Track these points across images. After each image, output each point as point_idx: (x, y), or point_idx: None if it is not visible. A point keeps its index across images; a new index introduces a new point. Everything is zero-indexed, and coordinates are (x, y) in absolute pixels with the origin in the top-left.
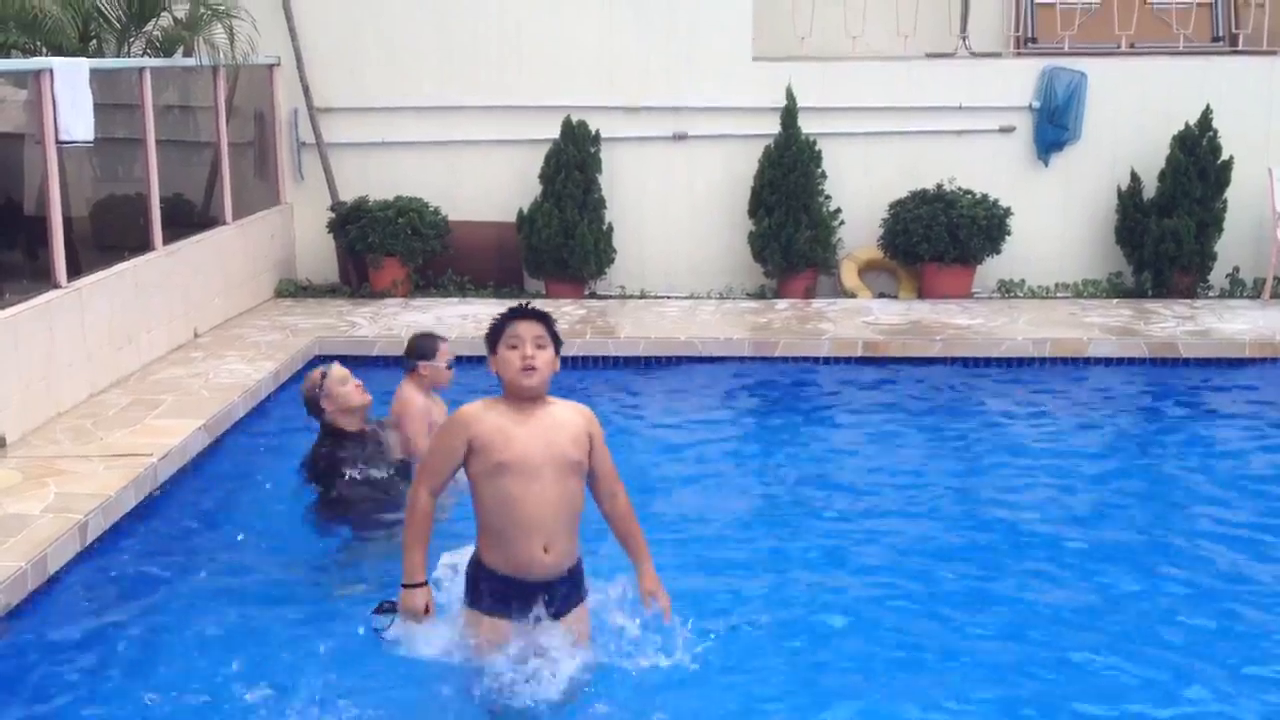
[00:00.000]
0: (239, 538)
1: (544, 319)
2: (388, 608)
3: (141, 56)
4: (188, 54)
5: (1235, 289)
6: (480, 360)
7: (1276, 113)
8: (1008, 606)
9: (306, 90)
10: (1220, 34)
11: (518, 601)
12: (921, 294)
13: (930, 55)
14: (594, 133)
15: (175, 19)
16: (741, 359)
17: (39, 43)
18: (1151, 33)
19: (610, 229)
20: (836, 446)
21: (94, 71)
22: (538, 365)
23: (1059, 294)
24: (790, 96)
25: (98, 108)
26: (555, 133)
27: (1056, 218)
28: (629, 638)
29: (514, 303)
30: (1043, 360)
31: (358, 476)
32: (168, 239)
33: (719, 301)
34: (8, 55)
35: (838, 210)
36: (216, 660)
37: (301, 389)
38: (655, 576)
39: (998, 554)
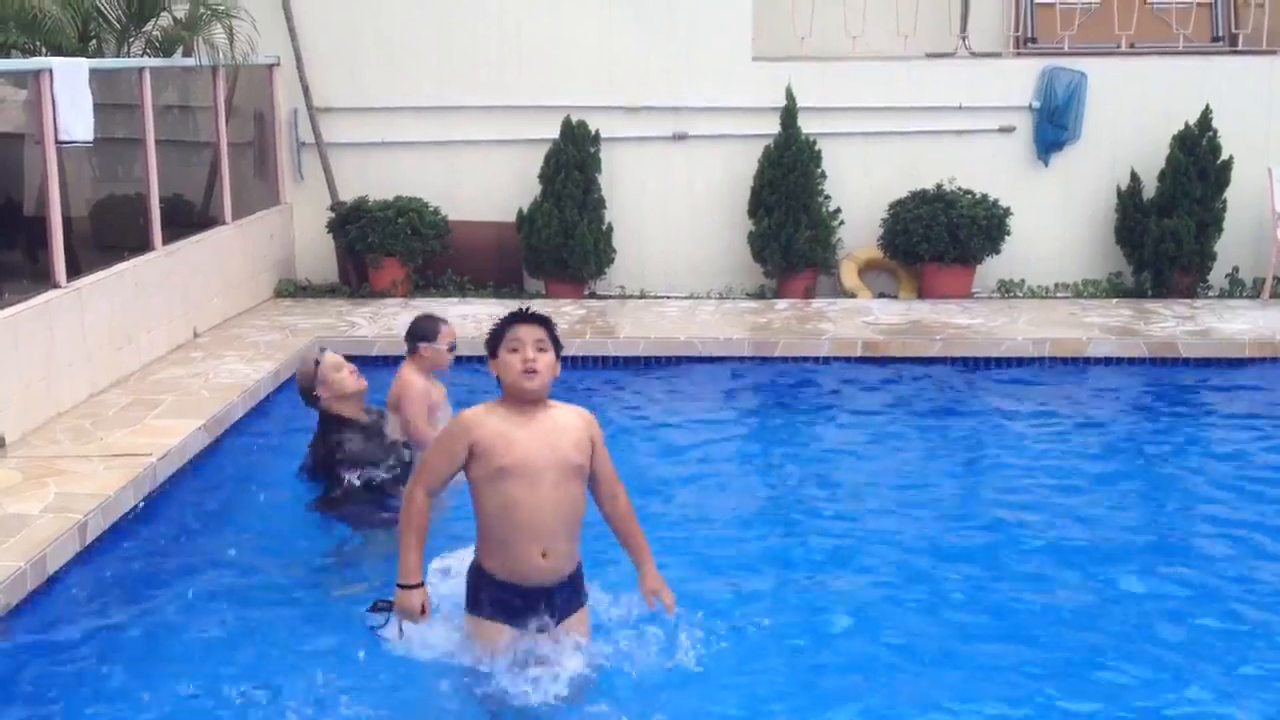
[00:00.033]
0: (246, 537)
1: (544, 322)
2: (383, 606)
3: (141, 56)
4: (187, 54)
5: (1235, 289)
6: (480, 360)
7: (1276, 112)
8: (1008, 607)
9: (306, 90)
10: (1220, 34)
11: (517, 607)
12: (921, 294)
13: (930, 55)
14: (594, 133)
15: (175, 19)
16: (741, 359)
17: (38, 43)
18: (1151, 33)
19: (610, 229)
20: (836, 446)
21: (93, 71)
22: (539, 368)
23: (1059, 294)
24: (790, 96)
25: (97, 108)
26: (555, 133)
27: (1056, 218)
28: (630, 639)
29: (515, 304)
30: (1042, 360)
31: (356, 482)
32: (167, 239)
33: (719, 301)
34: (7, 55)
35: (837, 210)
36: (216, 660)
37: (296, 379)
38: (658, 575)
39: (999, 554)
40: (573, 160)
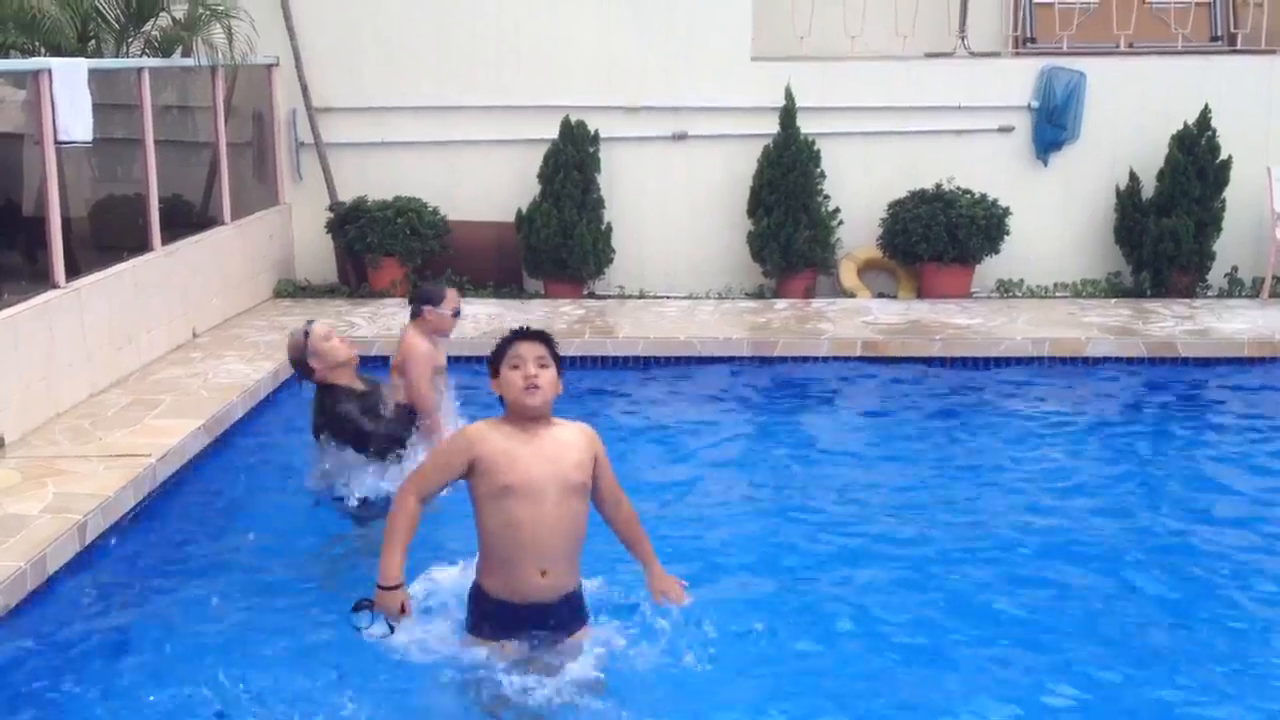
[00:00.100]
0: (246, 537)
1: (546, 339)
2: (365, 605)
3: (140, 57)
4: (186, 54)
5: (1234, 288)
6: (479, 360)
7: (1275, 112)
8: (1010, 607)
9: (305, 90)
10: (1219, 33)
11: (516, 627)
12: (920, 294)
13: (929, 55)
14: (593, 133)
15: (174, 19)
16: (740, 359)
17: (38, 43)
18: (1150, 32)
19: (609, 229)
20: (836, 446)
21: (93, 72)
22: (541, 384)
23: (1058, 294)
24: (789, 96)
25: (96, 108)
26: (554, 132)
27: (1055, 217)
28: (631, 640)
29: (514, 304)
30: (1042, 360)
31: (368, 426)
32: (166, 239)
33: (718, 301)
34: (6, 55)
35: (837, 210)
36: (216, 660)
37: (288, 353)
38: (665, 574)
39: (1000, 554)
40: (572, 160)
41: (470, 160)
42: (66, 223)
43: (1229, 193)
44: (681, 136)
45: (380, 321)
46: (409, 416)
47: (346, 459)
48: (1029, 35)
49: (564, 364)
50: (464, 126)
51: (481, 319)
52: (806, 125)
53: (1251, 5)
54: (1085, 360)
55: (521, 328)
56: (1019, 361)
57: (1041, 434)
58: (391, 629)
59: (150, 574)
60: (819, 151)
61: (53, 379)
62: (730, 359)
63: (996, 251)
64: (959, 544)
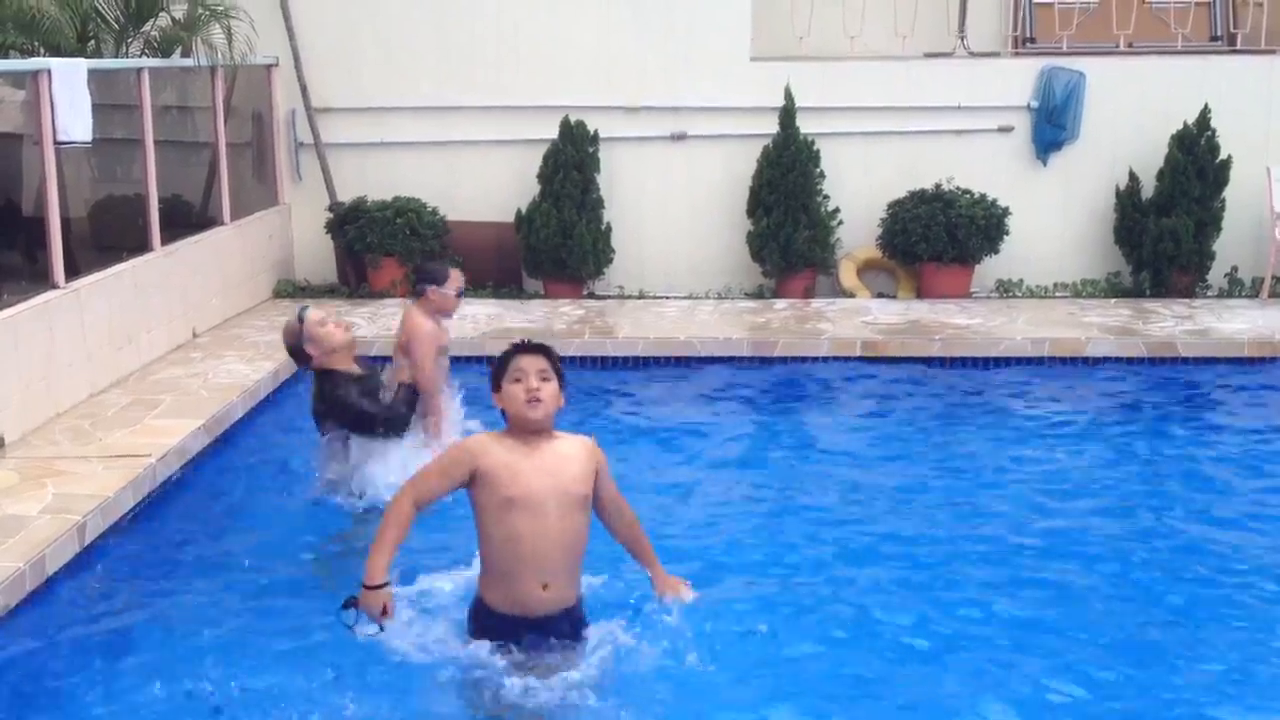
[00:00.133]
0: (246, 537)
1: (547, 352)
2: (352, 603)
3: (140, 57)
4: (186, 54)
5: (1234, 288)
6: (478, 360)
7: (1275, 112)
8: (1010, 607)
9: (304, 90)
10: (1218, 33)
11: (517, 640)
12: (920, 294)
13: (929, 55)
14: (592, 133)
15: (173, 19)
16: (740, 359)
17: (37, 43)
18: (1150, 32)
19: (609, 229)
20: (836, 446)
21: (92, 72)
22: (543, 397)
23: (1057, 294)
24: (789, 96)
25: (96, 108)
26: (553, 133)
27: (1055, 217)
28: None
29: (513, 303)
30: (1041, 360)
31: (372, 409)
32: (166, 239)
33: (717, 301)
34: (6, 56)
35: (836, 210)
36: (216, 660)
37: (283, 340)
38: (668, 576)
39: (1001, 555)
40: (571, 160)
41: (470, 160)
42: (66, 223)
43: (1229, 193)
44: (681, 136)
45: (380, 321)
46: (411, 396)
47: (350, 451)
48: (1028, 35)
49: (565, 363)
50: (463, 127)
51: (481, 319)
52: (806, 125)
53: (1251, 5)
54: (1085, 360)
55: (523, 341)
56: (1019, 361)
57: (1041, 434)
58: (381, 628)
59: (150, 575)
60: (818, 151)
61: (52, 379)
62: (730, 359)
63: (996, 251)
64: (959, 544)
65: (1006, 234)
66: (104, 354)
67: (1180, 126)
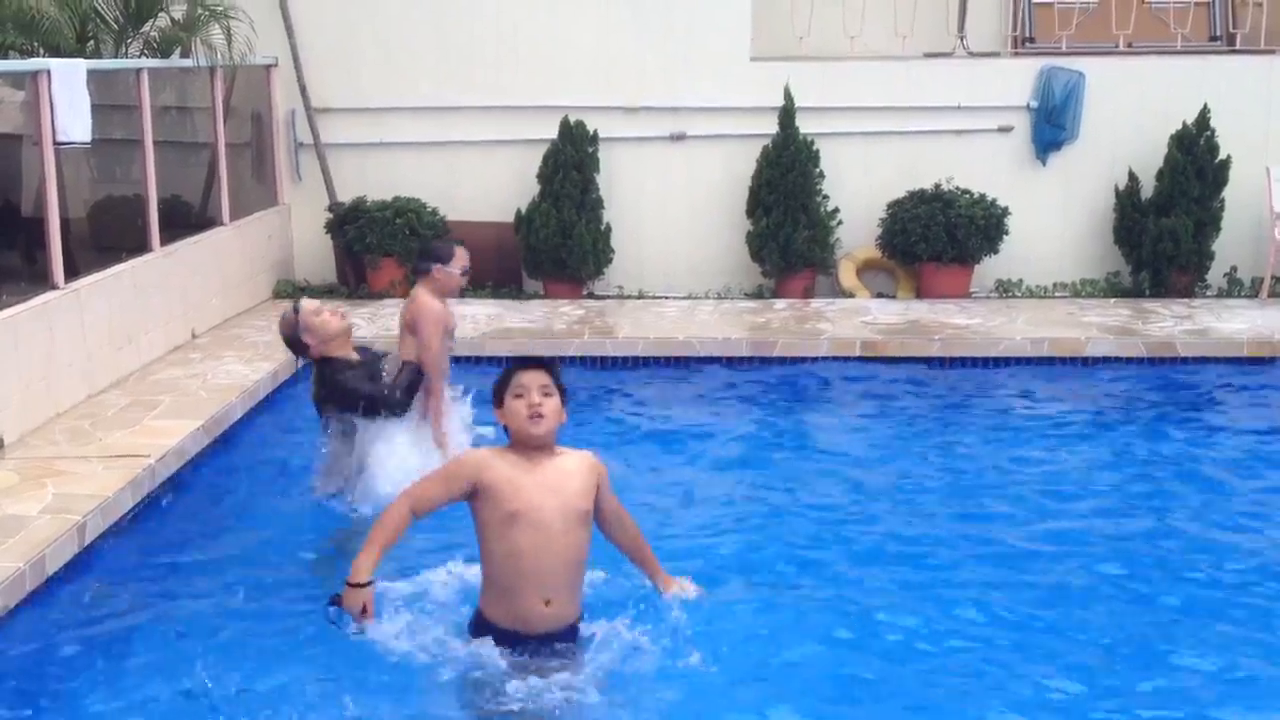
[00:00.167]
0: (246, 537)
1: (549, 368)
2: (336, 601)
3: (139, 57)
4: (185, 55)
5: (1233, 288)
6: (477, 360)
7: (1274, 112)
8: (1011, 607)
9: (304, 91)
10: (1218, 33)
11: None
12: (919, 294)
13: (928, 55)
14: (592, 133)
15: (173, 19)
16: (740, 359)
17: (36, 43)
18: (1149, 32)
19: (608, 229)
20: (836, 446)
21: (91, 72)
22: (545, 412)
23: (1057, 294)
24: (788, 96)
25: (95, 109)
26: (553, 133)
27: (1055, 217)
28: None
29: (513, 303)
30: (1041, 360)
31: (373, 391)
32: (165, 240)
33: (717, 301)
34: (6, 56)
35: (836, 210)
36: (216, 660)
37: (280, 332)
38: (672, 579)
39: (1001, 555)
40: (571, 160)
41: (469, 160)
42: (65, 223)
43: (1228, 193)
44: (680, 137)
45: (380, 322)
46: (415, 375)
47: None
48: (1028, 35)
49: (564, 364)
50: (463, 127)
51: (481, 319)
52: (805, 125)
53: (1251, 5)
54: (1084, 360)
55: (523, 357)
56: (1018, 361)
57: (1041, 434)
58: (361, 628)
59: (149, 575)
60: (818, 151)
61: (52, 379)
62: (729, 359)
63: (995, 251)
64: (959, 544)
65: (1006, 234)
66: (103, 354)
67: (1180, 126)
